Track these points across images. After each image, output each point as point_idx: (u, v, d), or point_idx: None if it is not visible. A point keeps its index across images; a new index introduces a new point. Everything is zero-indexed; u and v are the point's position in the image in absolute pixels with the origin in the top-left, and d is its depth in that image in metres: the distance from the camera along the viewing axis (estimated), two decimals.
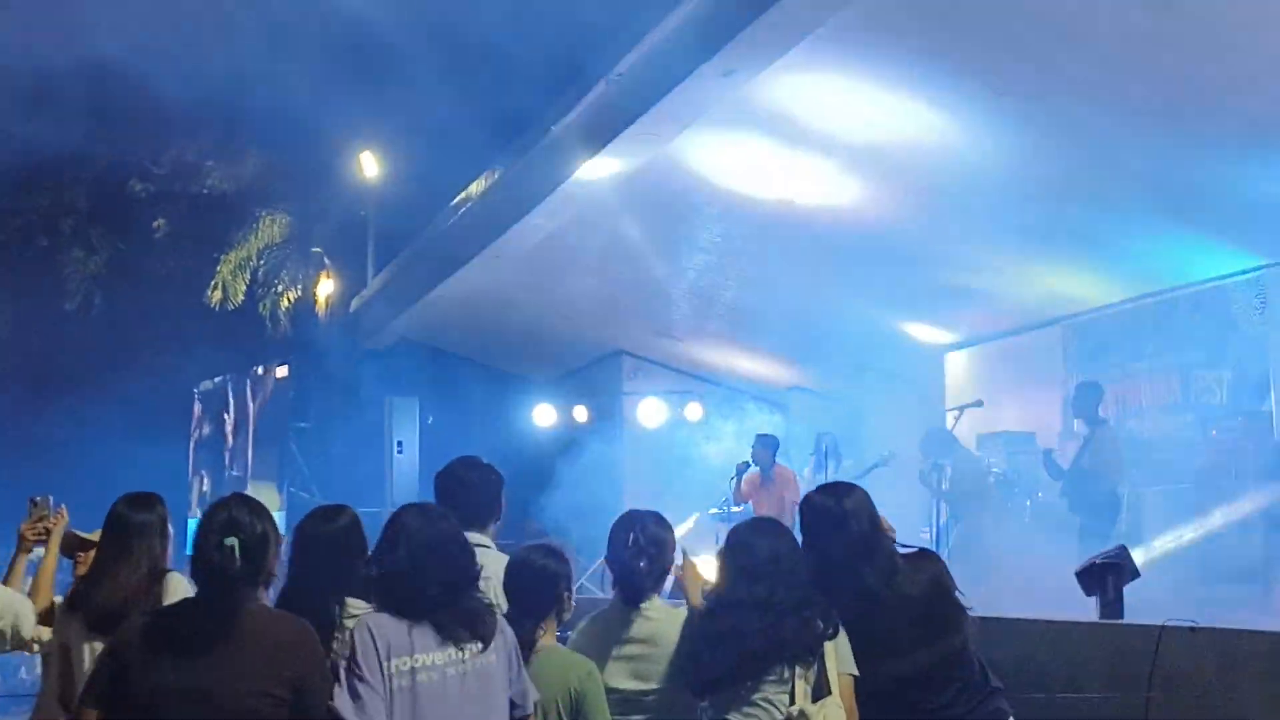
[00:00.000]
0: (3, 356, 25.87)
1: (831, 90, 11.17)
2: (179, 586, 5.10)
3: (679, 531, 5.63)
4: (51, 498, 6.03)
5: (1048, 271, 13.83)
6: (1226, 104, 10.03)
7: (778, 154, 12.46)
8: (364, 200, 25.20)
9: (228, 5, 20.05)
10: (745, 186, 13.30)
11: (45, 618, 5.68)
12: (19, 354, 25.89)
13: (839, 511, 5.12)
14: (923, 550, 5.47)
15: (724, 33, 10.38)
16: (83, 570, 5.60)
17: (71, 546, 5.85)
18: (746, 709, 4.72)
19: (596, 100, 12.63)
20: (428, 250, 19.80)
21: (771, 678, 4.71)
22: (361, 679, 4.14)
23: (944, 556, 6.75)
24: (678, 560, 5.21)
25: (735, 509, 13.89)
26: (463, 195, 18.38)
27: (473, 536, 4.95)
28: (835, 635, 4.79)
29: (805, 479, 14.08)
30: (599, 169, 13.22)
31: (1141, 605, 7.01)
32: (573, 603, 5.07)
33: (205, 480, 27.96)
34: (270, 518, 4.31)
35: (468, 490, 5.43)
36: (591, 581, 13.88)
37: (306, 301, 27.50)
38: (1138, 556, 7.36)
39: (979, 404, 13.83)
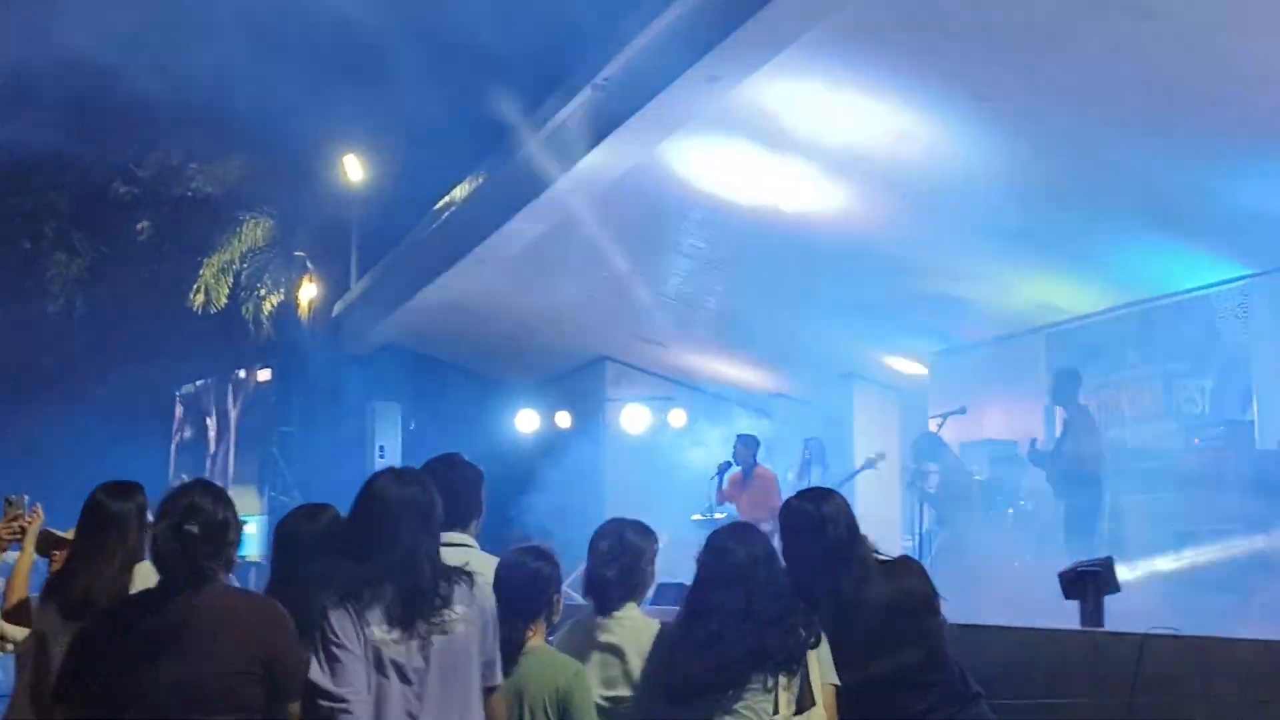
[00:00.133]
0: None
1: (816, 97, 11.16)
2: (147, 576, 5.06)
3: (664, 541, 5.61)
4: (26, 497, 5.99)
5: (1031, 279, 13.85)
6: (1211, 113, 10.05)
7: (762, 160, 12.46)
8: (347, 204, 25.17)
9: (212, 9, 20.02)
10: (729, 193, 13.30)
11: (20, 616, 5.63)
12: (0, 356, 25.80)
13: (817, 517, 5.11)
14: (903, 558, 5.45)
15: (709, 39, 10.39)
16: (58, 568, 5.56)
17: (48, 545, 5.81)
18: (728, 718, 4.68)
19: (581, 105, 12.62)
20: (411, 255, 19.78)
21: (754, 686, 4.65)
22: (340, 646, 4.11)
23: (927, 563, 6.74)
24: None
25: (718, 515, 13.86)
26: (446, 200, 18.37)
27: (455, 535, 4.93)
28: (818, 644, 4.76)
29: (789, 483, 14.07)
30: (583, 174, 13.20)
31: (1124, 613, 7.00)
32: (562, 605, 5.07)
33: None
34: (231, 504, 4.30)
35: (448, 488, 5.39)
36: (573, 588, 13.83)
37: (289, 305, 27.45)
38: (1120, 565, 7.35)
39: (962, 411, 13.83)
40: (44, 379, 25.36)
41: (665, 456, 18.16)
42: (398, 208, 22.41)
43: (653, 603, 5.44)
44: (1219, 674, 6.02)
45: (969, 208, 12.17)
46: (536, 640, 4.90)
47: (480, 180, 16.77)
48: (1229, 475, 11.05)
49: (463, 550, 4.97)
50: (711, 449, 16.31)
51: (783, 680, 4.65)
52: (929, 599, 5.12)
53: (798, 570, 4.95)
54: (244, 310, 27.88)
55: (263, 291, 28.03)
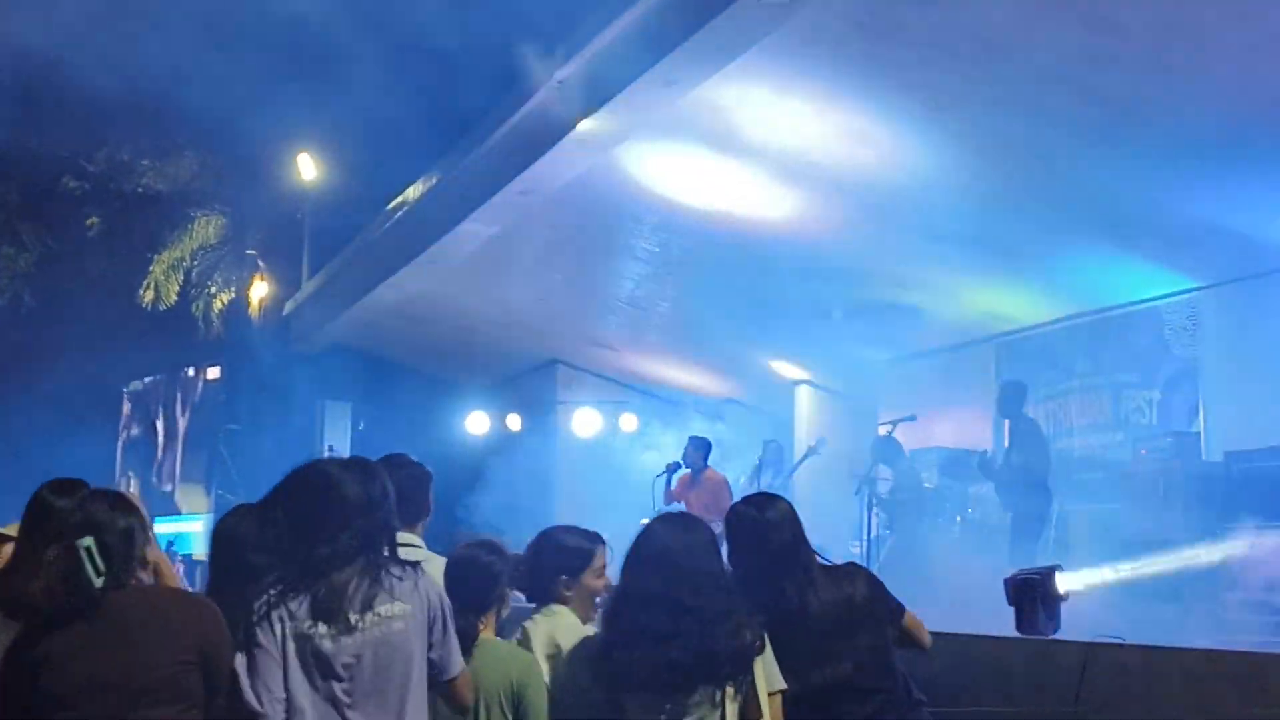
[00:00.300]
0: None
1: (771, 102, 11.16)
2: None
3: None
4: None
5: (982, 288, 13.92)
6: (1163, 126, 10.11)
7: (717, 164, 12.46)
8: (299, 203, 25.03)
9: (164, 3, 19.85)
10: (684, 196, 13.28)
11: None
12: None
13: (761, 522, 5.08)
14: (850, 564, 5.43)
15: (666, 43, 10.37)
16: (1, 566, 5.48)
17: None
18: None
19: (536, 106, 12.58)
20: (362, 254, 19.68)
21: (700, 699, 4.48)
22: (259, 645, 4.07)
23: (875, 569, 6.73)
24: None
25: None
26: (399, 200, 18.29)
27: (402, 535, 4.89)
28: (763, 650, 4.65)
29: (741, 487, 14.06)
30: (537, 176, 13.16)
31: (1070, 622, 7.03)
32: (510, 599, 5.07)
33: (133, 481, 27.67)
34: (136, 510, 4.22)
35: (395, 488, 5.35)
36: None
37: (240, 303, 27.27)
38: (1066, 574, 7.37)
39: (912, 418, 13.87)
40: None
41: (617, 460, 18.15)
42: (350, 207, 22.31)
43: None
44: (1163, 682, 6.06)
45: (921, 216, 12.21)
46: (487, 633, 4.88)
47: (433, 180, 16.70)
48: (1175, 486, 11.13)
49: (409, 550, 4.92)
50: (665, 452, 16.28)
51: (729, 692, 4.57)
52: (874, 605, 5.10)
53: (742, 576, 4.92)
54: (194, 308, 27.68)
55: (213, 289, 27.83)
